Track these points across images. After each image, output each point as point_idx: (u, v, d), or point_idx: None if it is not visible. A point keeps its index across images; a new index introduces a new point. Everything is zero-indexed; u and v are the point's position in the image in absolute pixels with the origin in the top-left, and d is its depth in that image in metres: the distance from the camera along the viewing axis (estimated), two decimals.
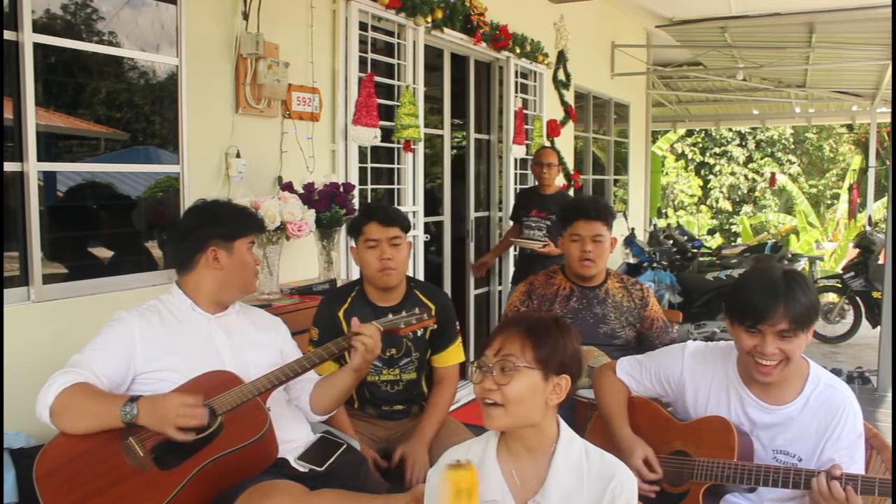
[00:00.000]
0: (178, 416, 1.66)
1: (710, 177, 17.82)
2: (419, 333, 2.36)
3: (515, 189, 5.34)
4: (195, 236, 1.98)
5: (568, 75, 6.05)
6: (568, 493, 1.39)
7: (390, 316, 2.06)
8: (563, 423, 1.47)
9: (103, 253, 2.75)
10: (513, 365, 1.39)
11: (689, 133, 17.20)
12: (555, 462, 1.42)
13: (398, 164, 4.04)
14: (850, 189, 12.94)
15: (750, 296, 1.74)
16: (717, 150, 17.76)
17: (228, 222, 2.02)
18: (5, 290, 2.23)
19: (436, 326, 2.33)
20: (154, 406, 1.68)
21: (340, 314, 2.35)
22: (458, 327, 2.49)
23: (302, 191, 3.00)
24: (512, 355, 1.40)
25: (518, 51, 5.14)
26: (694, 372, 1.95)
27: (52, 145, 2.48)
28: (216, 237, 1.98)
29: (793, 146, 17.86)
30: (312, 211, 2.92)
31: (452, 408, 2.49)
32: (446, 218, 4.80)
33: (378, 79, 3.74)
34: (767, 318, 1.71)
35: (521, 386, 1.38)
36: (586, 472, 1.41)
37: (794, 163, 17.76)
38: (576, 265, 2.62)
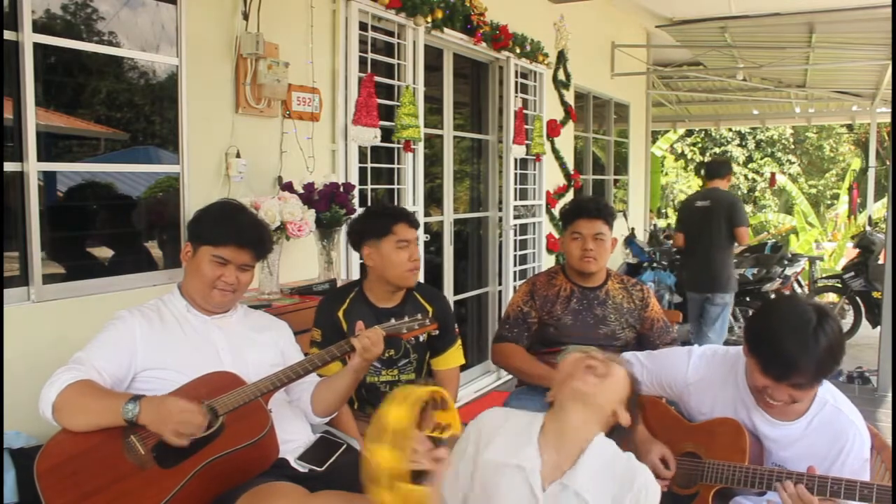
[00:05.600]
0: (178, 421, 1.67)
1: None
2: (419, 336, 2.36)
3: (515, 189, 5.34)
4: (188, 231, 2.05)
5: (568, 75, 6.05)
6: (592, 481, 1.44)
7: (393, 321, 2.07)
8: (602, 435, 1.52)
9: (103, 253, 2.75)
10: None
11: (689, 133, 17.19)
12: (586, 455, 1.46)
13: (398, 164, 4.04)
14: (850, 189, 12.94)
15: (782, 347, 1.66)
16: (717, 150, 17.76)
17: (206, 224, 2.02)
18: (5, 290, 2.22)
19: (437, 331, 2.33)
20: (156, 407, 1.69)
21: (340, 314, 2.35)
22: (458, 330, 2.49)
23: (302, 191, 3.00)
24: None
25: (518, 51, 5.14)
26: (699, 380, 1.94)
27: (52, 145, 2.48)
28: (192, 234, 2.02)
29: (793, 146, 17.87)
30: (312, 211, 2.92)
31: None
32: (446, 218, 4.80)
33: (378, 79, 3.74)
34: (790, 378, 1.68)
35: None
36: (615, 470, 1.46)
37: (794, 163, 17.78)
38: (576, 262, 2.62)
